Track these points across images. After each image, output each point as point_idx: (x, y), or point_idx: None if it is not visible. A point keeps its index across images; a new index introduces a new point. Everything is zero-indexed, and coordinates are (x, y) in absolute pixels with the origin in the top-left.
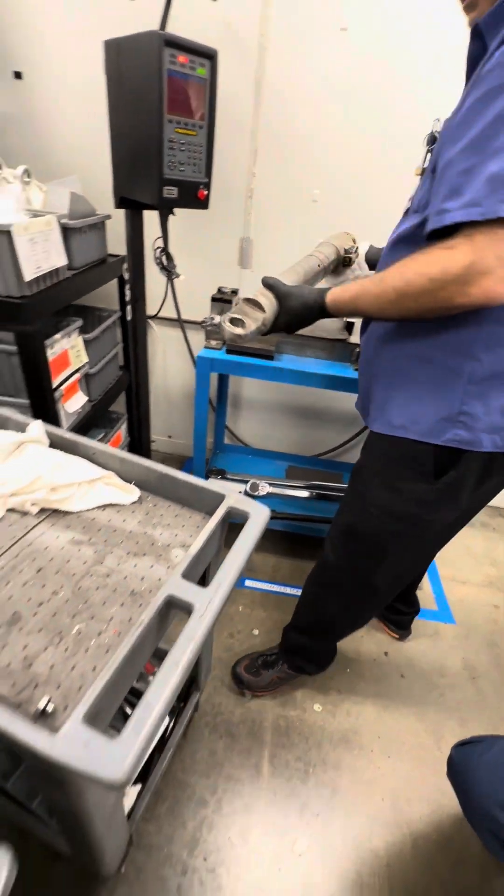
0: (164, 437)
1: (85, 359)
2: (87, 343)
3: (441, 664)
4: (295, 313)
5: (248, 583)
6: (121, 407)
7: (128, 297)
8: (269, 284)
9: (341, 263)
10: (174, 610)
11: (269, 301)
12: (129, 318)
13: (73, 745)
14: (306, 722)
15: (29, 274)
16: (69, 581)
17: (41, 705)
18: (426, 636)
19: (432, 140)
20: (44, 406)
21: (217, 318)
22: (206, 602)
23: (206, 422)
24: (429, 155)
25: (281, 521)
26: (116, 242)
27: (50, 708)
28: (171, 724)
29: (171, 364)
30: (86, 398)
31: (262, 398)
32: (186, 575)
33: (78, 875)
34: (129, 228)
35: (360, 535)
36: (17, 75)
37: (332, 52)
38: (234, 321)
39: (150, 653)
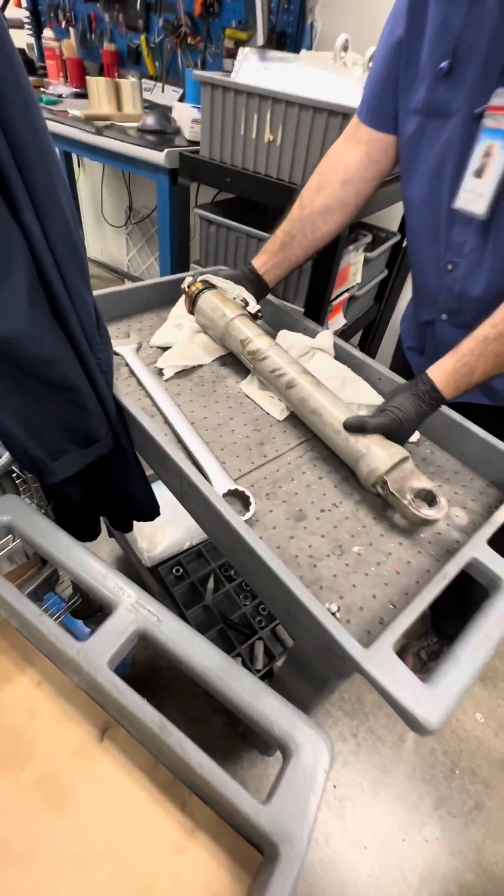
0: None
1: (359, 279)
2: (364, 262)
3: None
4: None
5: None
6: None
7: None
8: (374, 427)
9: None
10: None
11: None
12: (405, 243)
13: (383, 668)
14: (464, 725)
15: None
16: (348, 499)
17: (332, 608)
18: None
19: None
20: (315, 317)
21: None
22: None
23: None
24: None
25: None
26: None
27: (339, 615)
28: None
29: None
30: (344, 321)
31: None
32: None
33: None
34: None
35: None
36: None
37: None
38: (426, 496)
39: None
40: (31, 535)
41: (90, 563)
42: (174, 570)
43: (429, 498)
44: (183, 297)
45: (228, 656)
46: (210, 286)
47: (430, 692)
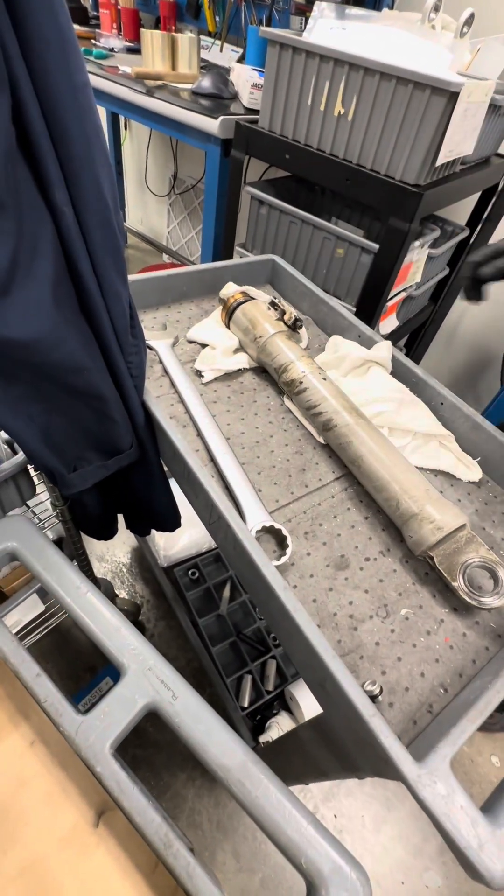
0: None
1: (418, 278)
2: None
3: None
4: None
5: None
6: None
7: (486, 214)
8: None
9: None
10: None
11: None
12: (472, 239)
13: (440, 794)
14: (478, 769)
15: (442, 156)
16: (397, 547)
17: (373, 689)
18: None
19: None
20: (367, 319)
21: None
22: None
23: None
24: None
25: None
26: None
27: (381, 698)
28: None
29: (479, 309)
30: (397, 323)
31: None
32: None
33: None
34: None
35: None
36: None
37: None
38: (486, 569)
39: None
40: (37, 568)
41: (100, 613)
42: (190, 573)
43: (490, 572)
44: (220, 307)
45: (252, 752)
46: (249, 297)
47: (496, 833)
